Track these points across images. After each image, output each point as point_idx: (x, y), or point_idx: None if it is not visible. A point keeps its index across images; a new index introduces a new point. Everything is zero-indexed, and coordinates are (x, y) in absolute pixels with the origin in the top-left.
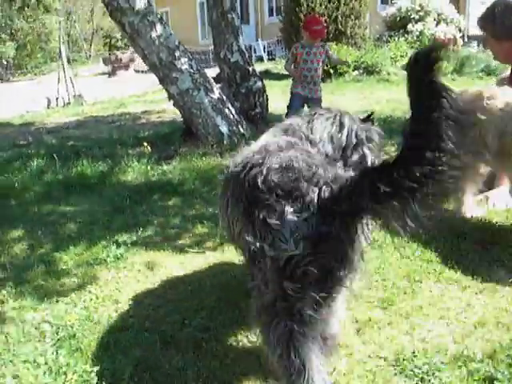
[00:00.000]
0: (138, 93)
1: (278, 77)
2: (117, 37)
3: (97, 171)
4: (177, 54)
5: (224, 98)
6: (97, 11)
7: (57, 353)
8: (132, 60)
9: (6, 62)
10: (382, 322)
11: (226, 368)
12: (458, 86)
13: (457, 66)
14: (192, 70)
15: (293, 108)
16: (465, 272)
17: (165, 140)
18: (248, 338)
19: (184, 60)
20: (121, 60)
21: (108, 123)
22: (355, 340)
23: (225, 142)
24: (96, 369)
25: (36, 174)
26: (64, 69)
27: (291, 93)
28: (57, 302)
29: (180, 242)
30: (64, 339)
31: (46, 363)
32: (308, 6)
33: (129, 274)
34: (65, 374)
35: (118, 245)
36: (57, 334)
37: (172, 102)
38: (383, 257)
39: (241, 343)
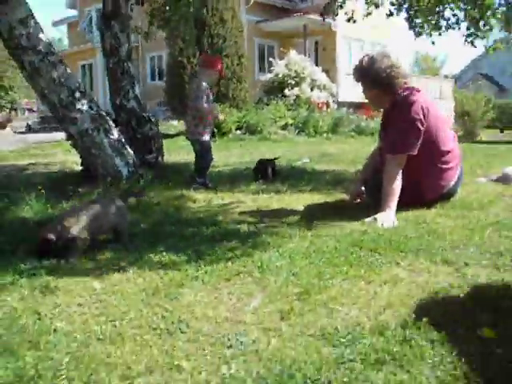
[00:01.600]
0: (17, 150)
1: (163, 136)
2: None
3: None
4: (77, 94)
5: (123, 139)
6: None
7: None
8: (9, 120)
9: None
10: (303, 310)
11: None
12: (333, 143)
13: (331, 127)
14: (92, 111)
15: (209, 158)
16: (368, 271)
17: (59, 184)
18: None
19: (84, 101)
20: None
21: None
22: (281, 324)
23: (124, 183)
24: (30, 360)
25: None
26: None
27: (200, 142)
28: None
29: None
30: None
31: None
32: (192, 68)
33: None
34: None
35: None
36: None
37: (70, 142)
38: (294, 264)
39: None
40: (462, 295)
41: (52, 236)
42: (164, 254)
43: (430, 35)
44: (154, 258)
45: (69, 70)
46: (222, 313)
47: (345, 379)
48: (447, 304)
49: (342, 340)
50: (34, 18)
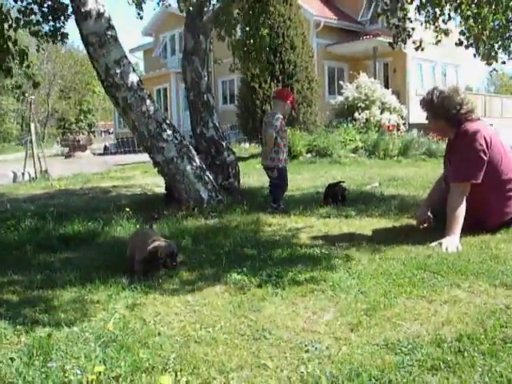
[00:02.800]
0: (99, 171)
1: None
2: (71, 120)
3: (89, 229)
4: (164, 126)
5: (204, 166)
6: (52, 94)
7: (104, 352)
8: (90, 143)
9: None
10: (370, 323)
11: None
12: (403, 166)
13: (402, 150)
14: (176, 141)
15: (284, 184)
16: (430, 292)
17: (144, 207)
18: None
19: (170, 132)
20: (79, 141)
21: (80, 195)
22: (351, 335)
23: (205, 206)
24: (144, 356)
25: (30, 231)
26: (32, 146)
27: (278, 169)
28: (89, 320)
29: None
30: (108, 342)
31: (96, 356)
32: (264, 93)
33: (146, 301)
34: (118, 364)
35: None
36: (99, 338)
37: (157, 169)
38: (362, 283)
39: None
40: None
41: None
42: (245, 273)
43: (504, 62)
44: (237, 277)
45: (156, 105)
46: (299, 323)
47: (404, 380)
48: (502, 322)
49: (403, 349)
50: (126, 58)
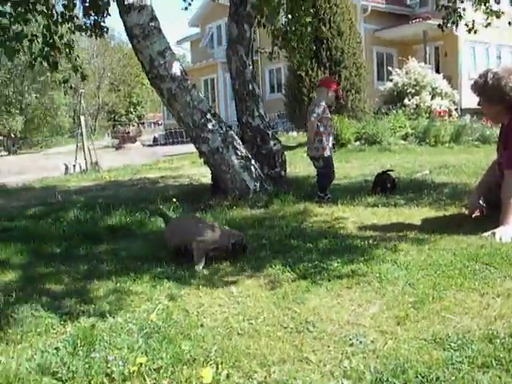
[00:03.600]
0: (148, 162)
1: (283, 147)
2: (121, 112)
3: (136, 219)
4: (208, 116)
5: (249, 156)
6: (102, 87)
7: (147, 343)
8: (139, 134)
9: (14, 136)
10: (418, 317)
11: None
12: (455, 153)
13: (453, 136)
14: (222, 131)
15: (330, 174)
16: (481, 284)
17: (190, 197)
18: None
19: (214, 122)
20: (128, 133)
21: (129, 186)
22: (397, 328)
23: (251, 196)
24: (186, 348)
25: (78, 222)
26: (83, 138)
27: (323, 158)
28: (132, 311)
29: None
30: (150, 333)
31: (139, 348)
32: (310, 81)
33: (190, 292)
34: (160, 356)
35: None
36: (142, 329)
37: (203, 159)
38: (410, 275)
39: None
40: None
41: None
42: (290, 264)
43: None
44: (282, 268)
45: (201, 95)
46: (344, 316)
47: (452, 378)
48: None
49: (452, 345)
50: (170, 49)
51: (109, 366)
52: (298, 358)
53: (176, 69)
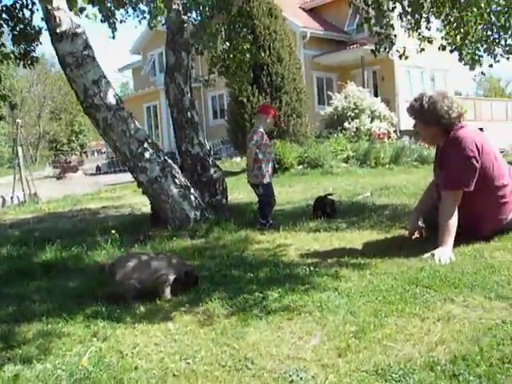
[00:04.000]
0: (90, 192)
1: (227, 173)
2: (63, 141)
3: (72, 254)
4: (145, 145)
5: (189, 184)
6: (43, 116)
7: None
8: (81, 163)
9: None
10: (359, 347)
11: None
12: (395, 173)
13: (393, 157)
14: (159, 160)
15: (271, 200)
16: (422, 308)
17: (131, 228)
18: None
19: (152, 151)
20: (70, 162)
21: (68, 217)
22: (338, 361)
23: (191, 225)
24: None
25: (11, 258)
26: (20, 169)
27: (263, 185)
28: (63, 355)
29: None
30: (80, 380)
31: None
32: (252, 107)
33: (126, 331)
34: None
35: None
36: (72, 376)
37: (141, 189)
38: (351, 302)
39: None
40: None
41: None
42: (230, 296)
43: (491, 66)
44: (221, 301)
45: (137, 124)
46: (284, 350)
47: None
48: (498, 340)
49: (394, 375)
50: (105, 77)
51: None
52: None
53: (111, 98)
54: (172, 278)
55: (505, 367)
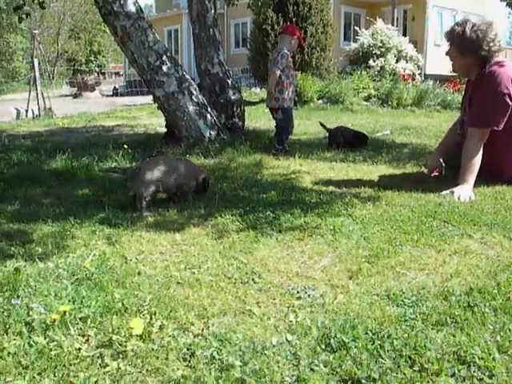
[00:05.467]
0: (105, 111)
1: (245, 103)
2: (81, 61)
3: (82, 164)
4: (164, 58)
5: (206, 103)
6: (62, 34)
7: (77, 289)
8: (98, 83)
9: None
10: (371, 272)
11: None
12: (416, 116)
13: (416, 100)
14: (178, 75)
15: (289, 126)
16: (439, 241)
17: (144, 145)
18: None
19: (171, 65)
20: (87, 82)
21: (82, 133)
22: (349, 282)
23: (206, 145)
24: (118, 296)
25: (20, 164)
26: (36, 83)
27: (283, 109)
28: (66, 256)
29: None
30: (82, 279)
31: (67, 295)
32: (275, 36)
33: (132, 238)
34: (88, 304)
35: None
36: (73, 275)
37: (157, 104)
38: (366, 229)
39: None
40: None
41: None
42: (241, 213)
43: None
44: (231, 218)
45: (157, 35)
46: (293, 268)
47: (405, 335)
48: None
49: (406, 301)
50: None
51: (30, 314)
52: (240, 310)
53: (131, 5)
54: (194, 184)
55: None
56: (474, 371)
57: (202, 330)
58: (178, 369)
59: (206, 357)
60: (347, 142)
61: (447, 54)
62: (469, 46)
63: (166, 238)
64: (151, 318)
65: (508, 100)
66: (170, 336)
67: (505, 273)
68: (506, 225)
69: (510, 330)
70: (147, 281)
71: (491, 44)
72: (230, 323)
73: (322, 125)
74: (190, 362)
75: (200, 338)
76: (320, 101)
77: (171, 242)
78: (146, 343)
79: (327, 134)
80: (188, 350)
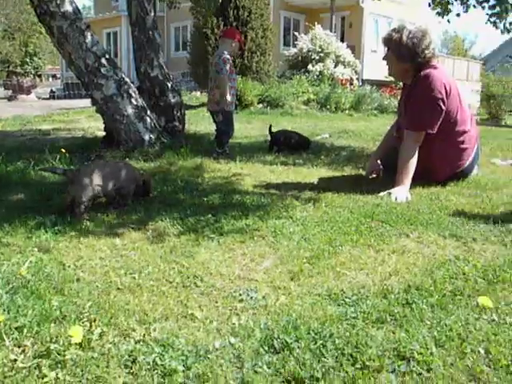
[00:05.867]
0: (42, 114)
1: (186, 106)
2: (16, 62)
3: (17, 168)
4: (103, 60)
5: (146, 106)
6: None
7: (12, 298)
8: (34, 85)
9: None
10: (312, 272)
11: None
12: (354, 120)
13: (354, 104)
14: (117, 77)
15: (230, 129)
16: (377, 241)
17: (82, 148)
18: None
19: (109, 67)
20: (22, 85)
21: (17, 136)
22: (291, 284)
23: (145, 148)
24: (56, 304)
25: None
26: None
27: (224, 112)
28: (0, 264)
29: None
30: (17, 288)
31: (2, 304)
32: (216, 39)
33: (69, 244)
34: (25, 313)
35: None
36: (8, 284)
37: (95, 107)
38: (306, 230)
39: None
40: (466, 267)
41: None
42: (181, 217)
43: (458, 15)
44: (172, 221)
45: (96, 37)
46: (235, 271)
47: (346, 333)
48: (451, 274)
49: (347, 300)
50: None
51: None
52: (183, 314)
53: (68, 6)
54: (133, 187)
55: (457, 298)
56: (413, 366)
57: (144, 335)
58: (119, 376)
59: (148, 363)
60: (289, 145)
61: (384, 58)
62: (405, 53)
63: (105, 243)
64: (91, 326)
65: (441, 104)
66: (110, 343)
67: (440, 270)
68: (440, 224)
69: (446, 325)
70: (86, 287)
71: (426, 51)
72: (173, 328)
73: (269, 128)
74: (131, 368)
75: (142, 343)
76: (260, 105)
77: (111, 247)
78: (86, 351)
79: (269, 138)
80: (129, 356)
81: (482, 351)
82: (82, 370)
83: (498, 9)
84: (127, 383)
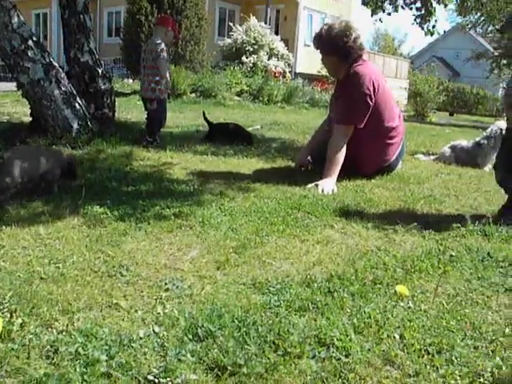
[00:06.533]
0: None
1: (117, 94)
2: None
3: None
4: (30, 43)
5: (74, 92)
6: None
7: None
8: None
9: None
10: (238, 262)
11: None
12: (286, 112)
13: (286, 97)
14: (44, 61)
15: (162, 118)
16: (303, 231)
17: (7, 134)
18: None
19: (37, 50)
20: None
21: None
22: (216, 273)
23: (73, 135)
24: None
25: None
26: None
27: (158, 99)
28: None
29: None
30: None
31: None
32: (149, 26)
33: None
34: None
35: None
36: None
37: (21, 91)
38: (234, 221)
39: None
40: (386, 257)
41: None
42: (109, 205)
43: (389, 14)
44: (98, 209)
45: (22, 18)
46: (161, 260)
47: (269, 321)
48: (372, 263)
49: (271, 289)
50: None
51: None
52: (107, 304)
53: None
54: (58, 172)
55: (376, 287)
56: (333, 352)
57: (67, 325)
58: (40, 367)
59: (70, 353)
60: (226, 133)
61: (322, 58)
62: (330, 47)
63: (29, 232)
64: (11, 316)
65: (369, 100)
66: (31, 334)
67: (362, 260)
68: (364, 216)
69: (365, 313)
70: (7, 277)
71: (345, 39)
72: (96, 317)
73: (204, 117)
74: (53, 359)
75: (64, 334)
76: (193, 94)
77: (35, 236)
78: (6, 343)
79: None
80: (51, 347)
81: (398, 337)
82: (0, 362)
83: (423, 11)
84: (48, 374)
